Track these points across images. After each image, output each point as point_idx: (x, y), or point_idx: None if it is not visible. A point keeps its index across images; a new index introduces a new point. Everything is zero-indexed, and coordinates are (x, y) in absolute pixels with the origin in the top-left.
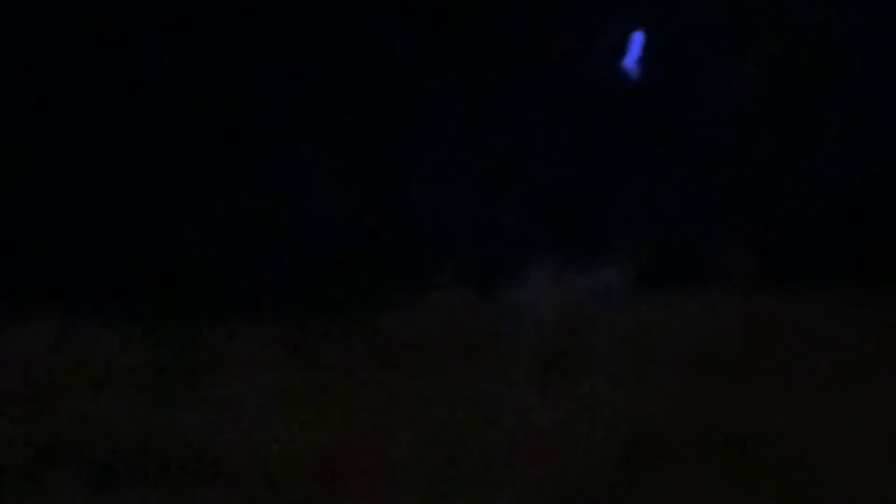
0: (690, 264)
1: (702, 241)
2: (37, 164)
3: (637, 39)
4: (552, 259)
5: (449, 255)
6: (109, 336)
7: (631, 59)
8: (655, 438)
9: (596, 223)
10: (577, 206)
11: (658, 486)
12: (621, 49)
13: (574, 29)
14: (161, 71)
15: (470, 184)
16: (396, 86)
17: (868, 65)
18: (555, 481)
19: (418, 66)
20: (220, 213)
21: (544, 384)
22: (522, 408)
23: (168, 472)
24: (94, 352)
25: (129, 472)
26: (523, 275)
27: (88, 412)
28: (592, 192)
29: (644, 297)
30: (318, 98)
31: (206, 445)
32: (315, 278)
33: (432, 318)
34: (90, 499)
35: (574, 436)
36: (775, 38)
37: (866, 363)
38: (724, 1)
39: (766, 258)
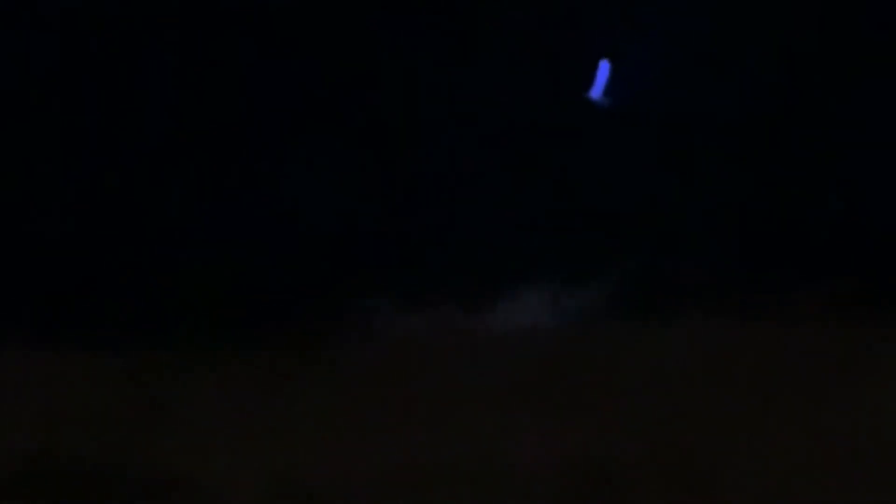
0: (677, 289)
1: (688, 265)
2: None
3: (604, 69)
4: (541, 279)
5: (436, 272)
6: (87, 358)
7: (597, 89)
8: (631, 465)
9: (585, 244)
10: (568, 225)
11: None
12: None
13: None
14: (159, 73)
15: (455, 204)
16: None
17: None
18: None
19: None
20: (195, 238)
21: (525, 409)
22: (499, 433)
23: (144, 497)
24: (72, 375)
25: (107, 498)
26: (510, 295)
27: (64, 436)
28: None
29: (630, 323)
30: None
31: (184, 470)
32: (300, 295)
33: (414, 336)
34: None
35: (547, 464)
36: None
37: (838, 389)
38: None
39: (752, 283)
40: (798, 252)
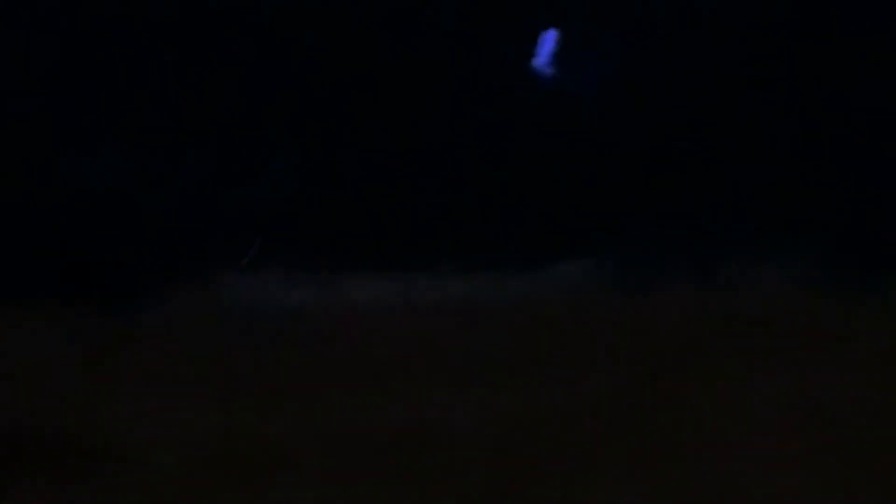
0: (652, 268)
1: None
2: None
3: (549, 37)
4: (517, 255)
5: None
6: (26, 325)
7: (543, 57)
8: (586, 443)
9: (561, 223)
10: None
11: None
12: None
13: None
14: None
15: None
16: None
17: None
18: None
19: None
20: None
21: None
22: (442, 400)
23: (81, 460)
24: (10, 341)
25: (42, 460)
26: (481, 271)
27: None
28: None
29: (601, 299)
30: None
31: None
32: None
33: (368, 306)
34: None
35: (500, 439)
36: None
37: (821, 364)
38: None
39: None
40: (773, 227)
